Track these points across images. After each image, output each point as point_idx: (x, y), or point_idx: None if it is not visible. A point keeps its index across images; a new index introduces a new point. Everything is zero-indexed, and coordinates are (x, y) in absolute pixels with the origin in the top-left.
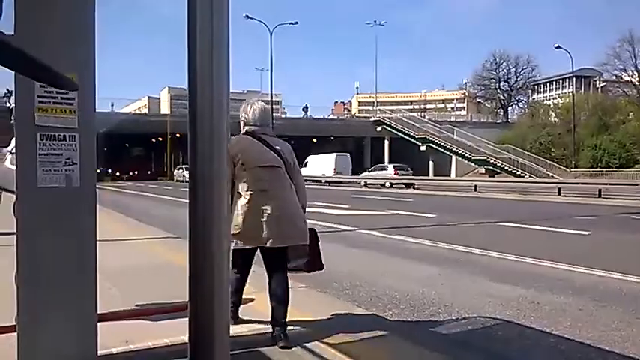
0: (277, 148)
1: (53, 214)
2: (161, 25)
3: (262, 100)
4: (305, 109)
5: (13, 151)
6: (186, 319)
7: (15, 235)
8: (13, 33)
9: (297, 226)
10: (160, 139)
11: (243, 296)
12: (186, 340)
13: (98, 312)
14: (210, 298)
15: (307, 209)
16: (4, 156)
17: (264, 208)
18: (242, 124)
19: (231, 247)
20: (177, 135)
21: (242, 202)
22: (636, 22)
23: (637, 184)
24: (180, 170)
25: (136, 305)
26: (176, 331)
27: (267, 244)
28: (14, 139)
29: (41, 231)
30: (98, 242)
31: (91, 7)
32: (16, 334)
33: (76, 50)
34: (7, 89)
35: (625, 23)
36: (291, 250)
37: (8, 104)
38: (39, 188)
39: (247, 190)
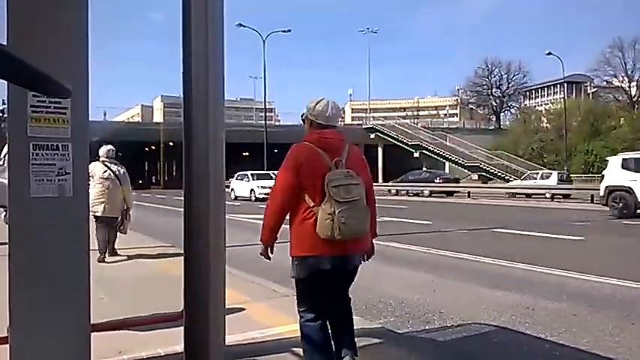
0: (114, 168)
1: (46, 224)
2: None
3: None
4: None
5: (5, 164)
6: (180, 329)
7: (7, 246)
8: (5, 43)
9: (120, 207)
10: (153, 147)
11: (237, 305)
12: (180, 350)
13: (91, 322)
14: (205, 308)
15: None
16: None
17: (104, 198)
18: (100, 155)
19: (92, 214)
20: (171, 143)
21: (95, 196)
22: (626, 29)
23: None
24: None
25: (130, 315)
26: (169, 342)
27: (108, 215)
28: (5, 147)
29: (34, 241)
30: (91, 252)
31: (84, 16)
32: (8, 345)
33: (69, 60)
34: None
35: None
36: (116, 219)
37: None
38: (31, 198)
39: (94, 188)
